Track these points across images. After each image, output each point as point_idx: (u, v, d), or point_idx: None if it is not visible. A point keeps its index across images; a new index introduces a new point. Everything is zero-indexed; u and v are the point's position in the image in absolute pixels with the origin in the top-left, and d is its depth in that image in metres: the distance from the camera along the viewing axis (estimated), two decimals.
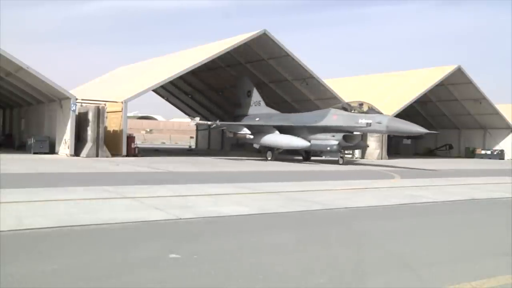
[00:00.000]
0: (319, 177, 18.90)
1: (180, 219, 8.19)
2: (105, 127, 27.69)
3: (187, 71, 32.13)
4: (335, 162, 27.28)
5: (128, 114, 31.74)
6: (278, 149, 29.69)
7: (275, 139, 28.65)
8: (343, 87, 41.33)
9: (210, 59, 31.88)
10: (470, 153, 46.27)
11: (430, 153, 48.97)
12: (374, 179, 18.18)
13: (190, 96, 48.81)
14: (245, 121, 31.78)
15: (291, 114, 31.76)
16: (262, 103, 33.22)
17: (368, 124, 24.74)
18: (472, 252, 6.80)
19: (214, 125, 30.18)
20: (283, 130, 28.79)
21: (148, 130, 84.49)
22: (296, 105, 38.88)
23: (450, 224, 9.22)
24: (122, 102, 28.19)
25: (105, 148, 26.98)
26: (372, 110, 25.58)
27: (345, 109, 26.47)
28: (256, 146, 30.57)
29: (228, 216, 8.70)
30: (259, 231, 7.84)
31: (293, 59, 33.93)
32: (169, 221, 8.06)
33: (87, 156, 26.05)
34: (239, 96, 34.99)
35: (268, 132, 29.00)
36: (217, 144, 50.28)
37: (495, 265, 5.93)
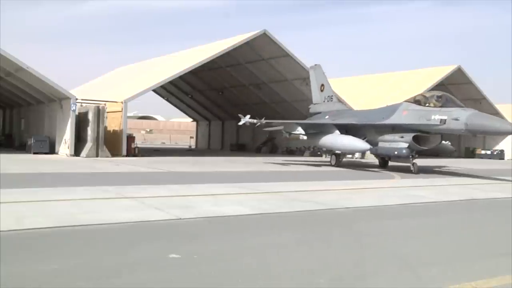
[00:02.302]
0: (319, 177, 18.89)
1: (180, 219, 8.19)
2: (105, 127, 27.70)
3: (187, 71, 32.18)
4: (407, 170, 21.57)
5: (128, 114, 31.81)
6: (343, 153, 25.44)
7: (334, 140, 23.86)
8: (343, 87, 41.36)
9: (210, 59, 31.92)
10: (470, 153, 46.25)
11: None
12: (374, 179, 18.17)
13: (190, 96, 48.90)
14: (315, 120, 27.60)
15: (360, 110, 27.87)
16: (335, 98, 29.13)
17: (443, 122, 19.32)
18: (472, 252, 6.80)
19: (258, 124, 25.49)
20: (348, 129, 24.18)
21: (148, 130, 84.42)
22: (296, 105, 38.93)
23: (450, 224, 9.22)
24: (122, 102, 28.22)
25: (105, 148, 26.99)
26: (450, 102, 19.97)
27: (418, 102, 21.07)
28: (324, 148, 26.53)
29: (228, 216, 8.70)
30: (259, 231, 7.83)
31: (293, 59, 33.96)
32: (169, 221, 8.05)
33: (87, 156, 26.05)
34: (312, 90, 30.27)
35: (328, 132, 24.31)
36: (217, 144, 50.37)
37: (495, 265, 5.92)
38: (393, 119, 21.79)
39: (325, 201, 10.98)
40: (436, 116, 19.70)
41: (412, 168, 21.16)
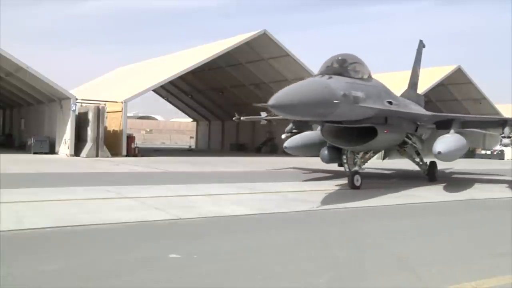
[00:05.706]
0: (318, 177, 18.87)
1: (180, 219, 8.20)
2: (105, 127, 27.70)
3: (187, 71, 32.17)
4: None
5: (128, 114, 31.78)
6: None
7: None
8: None
9: (210, 59, 31.92)
10: (470, 153, 46.15)
11: None
12: (372, 180, 18.16)
13: (190, 96, 48.88)
14: None
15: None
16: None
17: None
18: (472, 252, 6.80)
19: (261, 121, 22.02)
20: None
21: (148, 130, 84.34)
22: None
23: (450, 224, 9.22)
24: (122, 102, 28.22)
25: (105, 148, 26.99)
26: (355, 69, 13.36)
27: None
28: None
29: (228, 216, 8.70)
30: (259, 231, 7.84)
31: (293, 59, 33.95)
32: (169, 221, 8.06)
33: (87, 156, 26.05)
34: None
35: None
36: (217, 144, 50.32)
37: (495, 265, 5.93)
38: None
39: (323, 201, 10.98)
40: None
41: (350, 180, 13.95)
